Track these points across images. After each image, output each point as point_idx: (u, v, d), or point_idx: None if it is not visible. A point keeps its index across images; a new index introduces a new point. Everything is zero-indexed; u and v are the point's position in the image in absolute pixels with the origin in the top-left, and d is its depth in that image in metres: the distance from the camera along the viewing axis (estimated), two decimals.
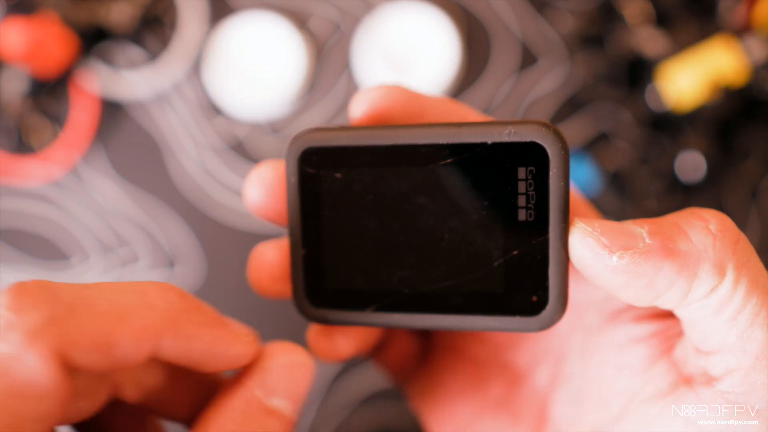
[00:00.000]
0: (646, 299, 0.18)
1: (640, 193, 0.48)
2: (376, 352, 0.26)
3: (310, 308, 0.22)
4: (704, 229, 0.18)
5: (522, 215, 0.19)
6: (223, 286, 0.49)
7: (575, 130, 0.49)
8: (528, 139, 0.19)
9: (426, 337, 0.26)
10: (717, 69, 0.46)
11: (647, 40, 0.47)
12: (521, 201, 0.19)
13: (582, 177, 0.48)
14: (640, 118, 0.48)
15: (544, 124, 0.19)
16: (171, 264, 0.49)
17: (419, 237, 0.20)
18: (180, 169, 0.49)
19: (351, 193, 0.21)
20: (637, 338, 0.21)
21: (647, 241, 0.18)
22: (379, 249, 0.21)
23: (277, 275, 0.23)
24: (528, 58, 0.49)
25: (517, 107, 0.49)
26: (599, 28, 0.48)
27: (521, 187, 0.19)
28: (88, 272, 0.49)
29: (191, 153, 0.49)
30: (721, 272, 0.18)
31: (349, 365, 0.49)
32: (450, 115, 0.22)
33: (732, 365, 0.18)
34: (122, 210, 0.49)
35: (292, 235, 0.21)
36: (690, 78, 0.46)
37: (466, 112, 0.23)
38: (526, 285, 0.20)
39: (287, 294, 0.23)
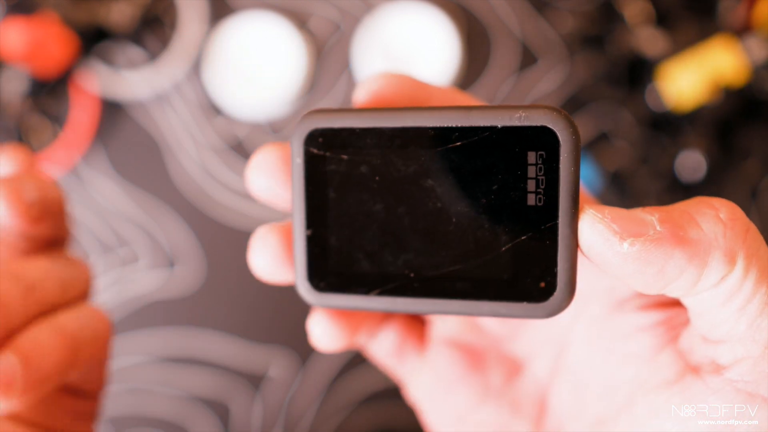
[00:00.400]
0: (655, 287, 0.18)
1: (640, 193, 0.48)
2: (373, 343, 0.26)
3: (313, 292, 0.21)
4: (714, 217, 0.18)
5: (531, 200, 0.19)
6: (223, 286, 0.49)
7: None
8: (539, 124, 0.19)
9: (423, 327, 0.27)
10: (717, 69, 0.46)
11: (647, 40, 0.47)
12: (531, 186, 0.19)
13: (582, 177, 0.48)
14: (640, 118, 0.48)
15: (556, 109, 0.19)
16: (171, 264, 0.49)
17: (426, 220, 0.20)
18: (180, 169, 0.49)
19: (357, 175, 0.20)
20: (642, 327, 0.21)
21: (658, 228, 0.18)
22: (385, 232, 0.20)
23: (280, 259, 0.22)
24: (528, 58, 0.49)
25: None
26: (599, 28, 0.48)
27: (531, 171, 0.19)
28: None
29: (191, 153, 0.49)
30: (731, 261, 0.18)
31: (349, 365, 0.49)
32: (453, 103, 0.22)
33: (741, 354, 0.18)
34: (122, 210, 0.49)
35: (295, 217, 0.21)
36: (690, 78, 0.46)
37: (471, 102, 0.22)
38: (534, 271, 0.19)
39: (289, 279, 0.23)
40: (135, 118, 0.49)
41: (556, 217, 0.19)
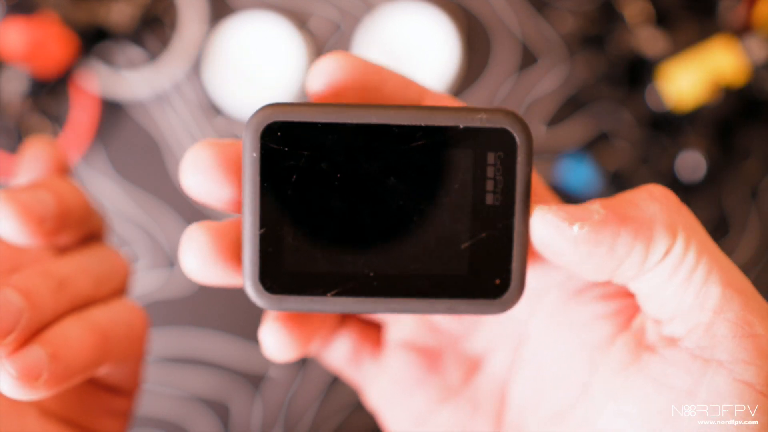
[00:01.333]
0: (607, 269, 0.19)
1: None
2: (327, 350, 0.26)
3: (264, 294, 0.21)
4: (649, 196, 0.20)
5: (489, 199, 0.20)
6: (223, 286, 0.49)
7: (575, 130, 0.49)
8: (499, 126, 0.20)
9: (378, 331, 0.26)
10: (717, 69, 0.46)
11: (647, 40, 0.47)
12: (489, 185, 0.20)
13: (582, 177, 0.48)
14: (640, 118, 0.48)
15: (513, 113, 0.20)
16: (171, 264, 0.49)
17: (387, 219, 0.20)
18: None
19: (317, 172, 0.20)
20: (599, 315, 0.22)
21: (600, 212, 0.19)
22: (345, 230, 0.20)
23: (210, 258, 0.22)
24: (528, 58, 0.49)
25: (517, 107, 0.49)
26: (599, 28, 0.48)
27: (490, 171, 0.20)
28: None
29: None
30: (672, 233, 0.19)
31: None
32: (407, 88, 0.22)
33: (692, 323, 0.19)
34: (122, 210, 0.49)
35: (246, 215, 0.20)
36: (690, 78, 0.46)
37: (422, 89, 0.22)
38: (490, 268, 0.20)
39: (225, 280, 0.22)
40: (135, 118, 0.49)
41: (512, 215, 0.20)
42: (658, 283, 0.19)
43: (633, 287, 0.20)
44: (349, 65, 0.21)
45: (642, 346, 0.20)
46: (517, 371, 0.23)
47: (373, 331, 0.26)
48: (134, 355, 0.26)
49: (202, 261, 0.21)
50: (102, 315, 0.24)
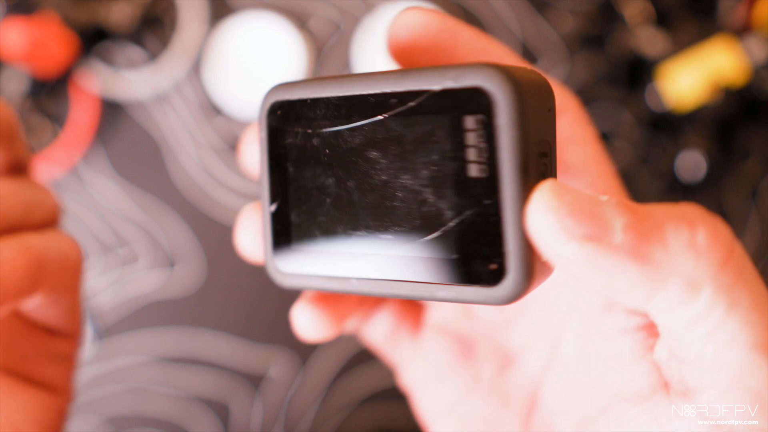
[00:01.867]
0: (602, 294, 0.17)
1: (640, 193, 0.48)
2: (367, 327, 0.26)
3: (276, 270, 0.21)
4: (689, 240, 0.16)
5: (473, 171, 0.17)
6: (223, 286, 0.49)
7: None
8: (471, 84, 0.16)
9: (419, 312, 0.26)
10: (717, 69, 0.46)
11: (647, 40, 0.47)
12: (471, 155, 0.17)
13: None
14: (640, 118, 0.48)
15: (493, 66, 0.16)
16: (171, 264, 0.49)
17: (375, 196, 0.19)
18: (180, 169, 0.49)
19: (311, 148, 0.20)
20: (624, 330, 0.20)
21: (618, 237, 0.15)
22: (336, 208, 0.19)
23: (257, 238, 0.22)
24: (528, 58, 0.49)
25: None
26: (599, 28, 0.48)
27: (470, 138, 0.17)
28: (88, 272, 0.49)
29: (191, 153, 0.49)
30: (694, 291, 0.16)
31: (349, 365, 0.49)
32: (483, 50, 0.20)
33: (707, 381, 0.17)
34: (122, 210, 0.49)
35: (263, 193, 0.21)
36: (690, 78, 0.46)
37: (499, 49, 0.21)
38: (481, 251, 0.17)
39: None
40: (135, 118, 0.49)
41: (497, 190, 0.17)
42: (674, 326, 0.17)
43: (646, 311, 0.17)
44: (429, 20, 0.20)
45: (660, 379, 0.19)
46: (553, 371, 0.23)
47: (415, 311, 0.26)
48: (70, 286, 0.25)
49: (256, 239, 0.22)
50: (35, 240, 0.23)
